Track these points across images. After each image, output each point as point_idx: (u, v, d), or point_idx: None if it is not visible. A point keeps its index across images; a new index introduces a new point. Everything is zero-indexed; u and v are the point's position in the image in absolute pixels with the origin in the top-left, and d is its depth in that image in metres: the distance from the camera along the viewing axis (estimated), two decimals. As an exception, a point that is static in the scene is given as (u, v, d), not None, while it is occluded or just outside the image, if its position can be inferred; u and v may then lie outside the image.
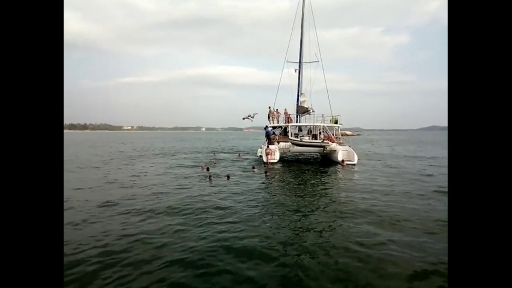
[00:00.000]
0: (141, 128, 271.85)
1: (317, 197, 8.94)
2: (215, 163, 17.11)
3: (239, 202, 8.18)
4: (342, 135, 21.23)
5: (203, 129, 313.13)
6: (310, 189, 10.19)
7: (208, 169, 14.45)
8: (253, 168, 15.16)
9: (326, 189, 10.26)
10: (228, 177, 12.34)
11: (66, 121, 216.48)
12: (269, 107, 20.88)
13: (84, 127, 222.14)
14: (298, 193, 9.55)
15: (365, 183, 11.24)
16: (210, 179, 11.92)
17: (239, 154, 23.62)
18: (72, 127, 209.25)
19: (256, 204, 8.00)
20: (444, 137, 55.82)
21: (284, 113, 20.70)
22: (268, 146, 17.71)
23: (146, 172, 14.26)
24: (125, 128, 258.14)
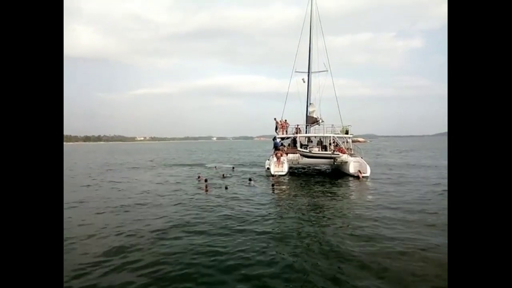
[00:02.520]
0: (153, 138, 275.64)
1: (324, 223, 7.85)
2: (224, 176, 16.59)
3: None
4: (353, 141, 20.63)
5: (214, 139, 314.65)
6: (318, 211, 9.14)
7: (206, 180, 14.27)
8: (250, 180, 14.28)
9: (334, 214, 8.70)
10: (226, 187, 12.52)
11: (81, 133, 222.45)
12: (275, 119, 20.16)
13: (98, 138, 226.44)
14: (304, 212, 8.87)
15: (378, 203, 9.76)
16: (207, 189, 12.11)
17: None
18: (87, 139, 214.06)
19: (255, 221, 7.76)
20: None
21: (281, 124, 19.83)
22: (276, 155, 17.17)
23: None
24: (138, 139, 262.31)
